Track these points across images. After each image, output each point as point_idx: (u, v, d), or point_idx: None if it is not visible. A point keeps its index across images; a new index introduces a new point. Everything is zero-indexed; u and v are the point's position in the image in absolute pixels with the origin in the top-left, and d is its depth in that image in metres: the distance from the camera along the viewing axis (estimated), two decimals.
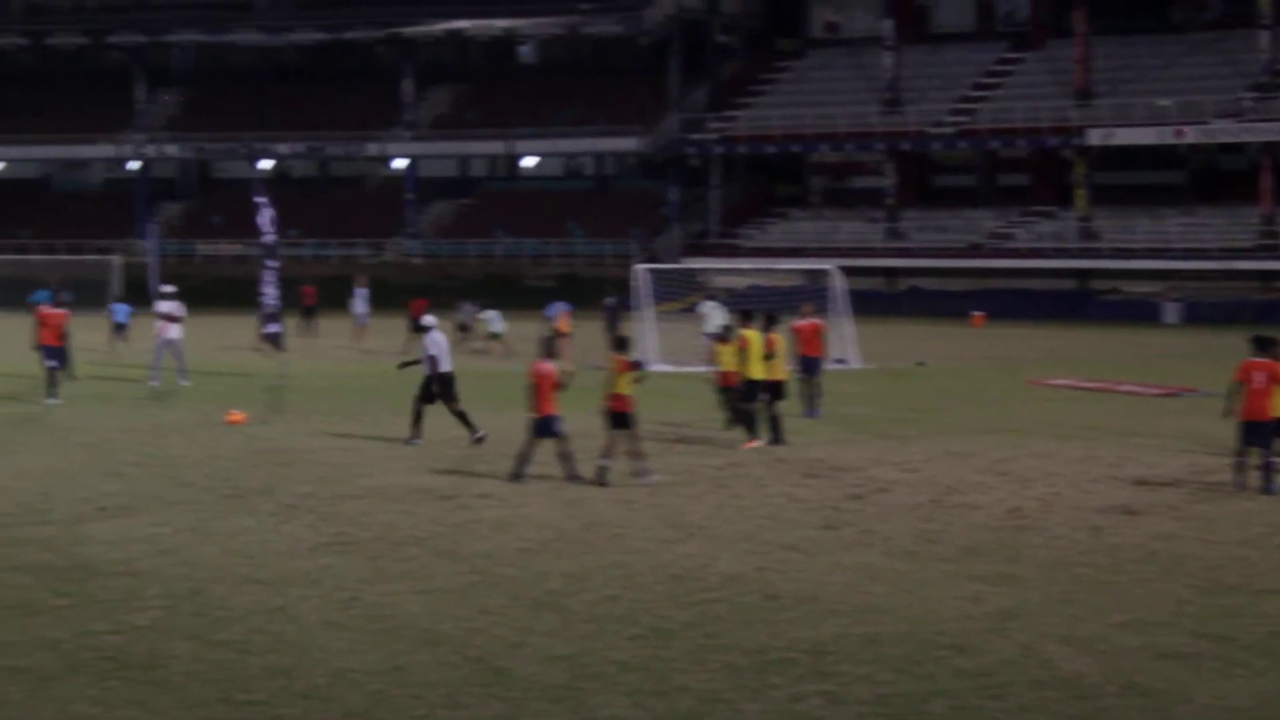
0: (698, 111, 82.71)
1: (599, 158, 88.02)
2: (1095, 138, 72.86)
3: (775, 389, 25.52)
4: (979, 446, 24.99)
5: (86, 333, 40.96)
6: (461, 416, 25.03)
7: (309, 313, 51.97)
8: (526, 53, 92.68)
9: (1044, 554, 16.47)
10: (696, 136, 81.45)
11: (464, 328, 47.09)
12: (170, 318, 34.81)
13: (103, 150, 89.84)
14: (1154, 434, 26.72)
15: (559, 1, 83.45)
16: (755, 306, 29.78)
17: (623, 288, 46.30)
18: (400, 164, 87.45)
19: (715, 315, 38.51)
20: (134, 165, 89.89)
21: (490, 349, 44.63)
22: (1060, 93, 75.91)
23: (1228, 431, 21.14)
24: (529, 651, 12.66)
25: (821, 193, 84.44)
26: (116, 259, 67.86)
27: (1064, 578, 15.33)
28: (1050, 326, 62.40)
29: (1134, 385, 35.66)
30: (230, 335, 49.72)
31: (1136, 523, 18.30)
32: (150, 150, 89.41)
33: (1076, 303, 71.07)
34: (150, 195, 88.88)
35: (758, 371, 25.36)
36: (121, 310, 46.79)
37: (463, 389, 25.64)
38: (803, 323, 29.64)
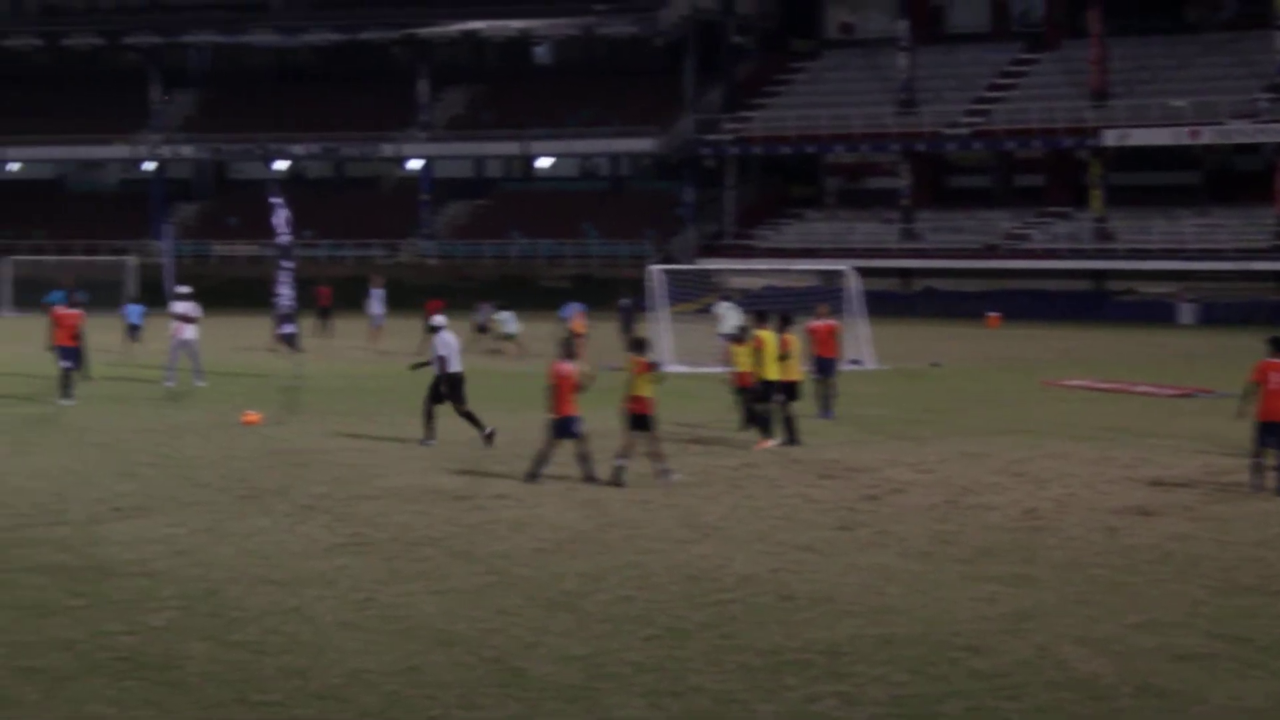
0: (713, 112, 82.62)
1: (614, 158, 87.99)
2: (1110, 138, 72.70)
3: (790, 390, 25.51)
4: (994, 447, 24.96)
5: (101, 333, 41.00)
6: (469, 417, 25.03)
7: (324, 313, 51.93)
8: (541, 53, 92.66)
9: (1059, 555, 16.45)
10: (711, 137, 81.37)
11: (482, 329, 47.14)
12: (186, 318, 34.85)
13: (118, 151, 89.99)
14: (1169, 435, 26.68)
15: (574, 2, 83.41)
16: (770, 307, 29.73)
17: (638, 289, 46.27)
18: (415, 165, 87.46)
19: (730, 316, 38.52)
20: (149, 166, 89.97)
21: (505, 349, 44.65)
22: (1075, 93, 75.73)
23: (1244, 432, 21.10)
24: (544, 652, 12.66)
25: (836, 193, 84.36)
26: (132, 260, 67.99)
27: (1079, 579, 15.30)
28: (1065, 327, 62.27)
29: (1149, 386, 35.59)
30: (246, 336, 49.80)
31: (1152, 524, 18.26)
32: (165, 151, 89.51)
33: (1092, 303, 70.91)
34: (165, 196, 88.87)
35: (773, 372, 25.34)
36: (135, 311, 46.81)
37: (478, 389, 25.65)
38: (818, 323, 29.62)
